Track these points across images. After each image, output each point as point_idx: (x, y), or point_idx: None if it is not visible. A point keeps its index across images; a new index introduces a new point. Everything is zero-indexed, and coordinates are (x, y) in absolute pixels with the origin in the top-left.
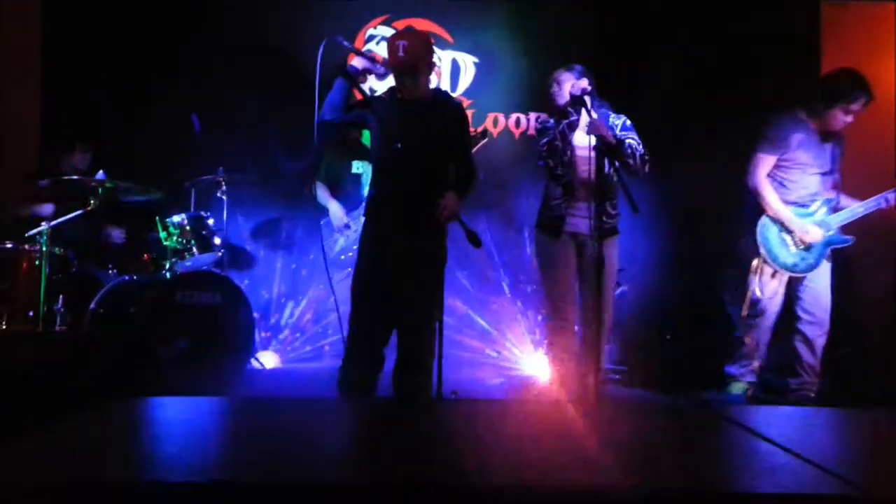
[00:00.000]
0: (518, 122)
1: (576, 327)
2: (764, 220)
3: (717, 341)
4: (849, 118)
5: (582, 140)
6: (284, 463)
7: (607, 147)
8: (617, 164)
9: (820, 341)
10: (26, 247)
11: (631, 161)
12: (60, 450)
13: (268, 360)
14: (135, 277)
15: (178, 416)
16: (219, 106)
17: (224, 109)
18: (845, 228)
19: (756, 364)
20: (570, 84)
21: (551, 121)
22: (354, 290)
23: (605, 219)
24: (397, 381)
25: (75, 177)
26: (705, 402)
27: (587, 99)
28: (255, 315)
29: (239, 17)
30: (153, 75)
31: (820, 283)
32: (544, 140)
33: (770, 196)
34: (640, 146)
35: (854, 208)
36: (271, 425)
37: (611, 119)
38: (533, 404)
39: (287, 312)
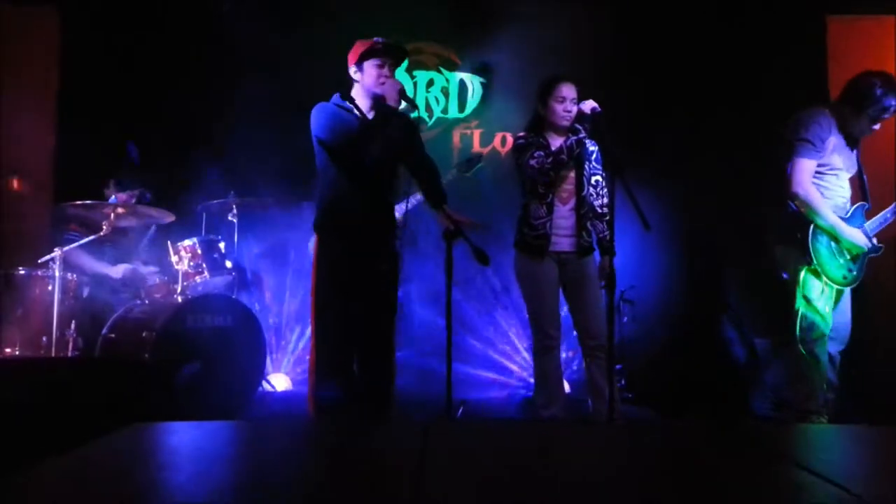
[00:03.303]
0: None
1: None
2: (814, 229)
3: (732, 360)
4: (876, 126)
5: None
6: (298, 486)
7: (616, 165)
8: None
9: (838, 357)
10: (39, 272)
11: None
12: (72, 476)
13: (279, 382)
14: (146, 302)
15: (189, 441)
16: (231, 128)
17: (236, 132)
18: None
19: (829, 392)
20: (574, 102)
21: (524, 135)
22: (318, 310)
23: (586, 237)
24: (364, 373)
25: (88, 201)
26: (719, 421)
27: (598, 118)
28: (268, 336)
29: (250, 41)
30: (166, 99)
31: (844, 298)
32: (539, 153)
33: (822, 206)
34: None
35: (884, 214)
36: (285, 449)
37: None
38: (537, 424)
39: (297, 334)
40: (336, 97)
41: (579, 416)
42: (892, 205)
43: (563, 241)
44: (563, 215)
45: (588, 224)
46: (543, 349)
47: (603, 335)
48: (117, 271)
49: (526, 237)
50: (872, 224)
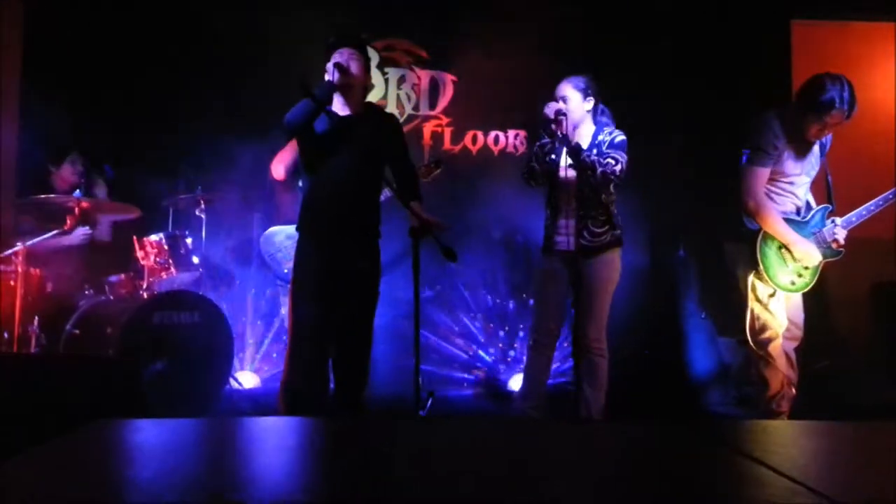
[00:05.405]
0: (497, 139)
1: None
2: (762, 235)
3: (696, 359)
4: (826, 131)
5: (566, 160)
6: (264, 483)
7: (580, 165)
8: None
9: (794, 354)
10: (1, 267)
11: (592, 179)
12: (34, 474)
13: (246, 379)
14: (111, 298)
15: (155, 438)
16: (199, 123)
17: (204, 126)
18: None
19: (790, 390)
20: (566, 100)
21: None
22: (295, 307)
23: (588, 237)
24: (338, 373)
25: (51, 195)
26: (681, 419)
27: (562, 120)
28: (235, 334)
29: (220, 34)
30: (132, 92)
31: (795, 298)
32: (526, 163)
33: (772, 216)
34: (617, 165)
35: (857, 212)
36: (252, 446)
37: (600, 136)
38: (505, 420)
39: (265, 331)
40: None
41: (549, 414)
42: (870, 202)
43: (565, 241)
44: (566, 216)
45: (590, 224)
46: (534, 345)
47: (590, 337)
48: (76, 237)
49: (543, 238)
50: (850, 218)
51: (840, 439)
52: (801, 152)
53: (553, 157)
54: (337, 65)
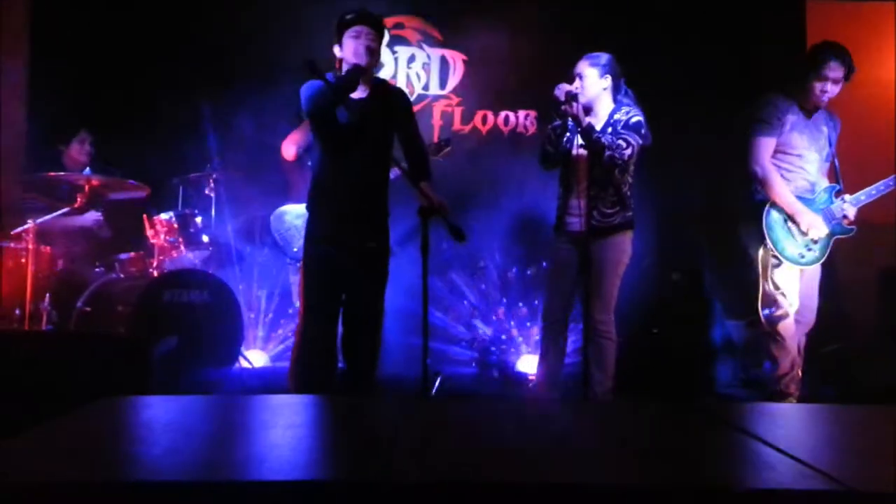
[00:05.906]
0: (507, 119)
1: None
2: (769, 207)
3: (704, 341)
4: (827, 87)
5: (577, 140)
6: (272, 461)
7: (591, 146)
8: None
9: (804, 339)
10: (12, 244)
11: (602, 160)
12: (45, 449)
13: (255, 358)
14: (122, 276)
15: (164, 415)
16: (209, 101)
17: (214, 104)
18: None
19: (797, 372)
20: (581, 78)
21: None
22: (305, 286)
23: (598, 217)
24: (348, 352)
25: (62, 173)
26: (689, 400)
27: (574, 101)
28: (245, 313)
29: (231, 14)
30: (142, 69)
31: (811, 282)
32: (539, 146)
33: (778, 184)
34: (628, 149)
35: (867, 191)
36: (259, 423)
37: (616, 115)
38: (520, 400)
39: (276, 310)
40: (329, 75)
41: (562, 394)
42: (876, 184)
43: (575, 222)
44: (577, 195)
45: (600, 205)
46: (544, 325)
47: (597, 319)
48: (87, 219)
49: (556, 216)
50: (853, 199)
51: (848, 423)
52: (807, 122)
53: (567, 136)
54: (368, 48)
